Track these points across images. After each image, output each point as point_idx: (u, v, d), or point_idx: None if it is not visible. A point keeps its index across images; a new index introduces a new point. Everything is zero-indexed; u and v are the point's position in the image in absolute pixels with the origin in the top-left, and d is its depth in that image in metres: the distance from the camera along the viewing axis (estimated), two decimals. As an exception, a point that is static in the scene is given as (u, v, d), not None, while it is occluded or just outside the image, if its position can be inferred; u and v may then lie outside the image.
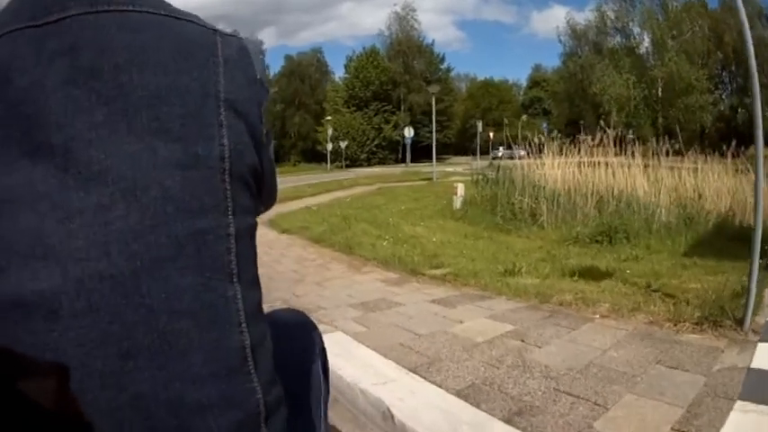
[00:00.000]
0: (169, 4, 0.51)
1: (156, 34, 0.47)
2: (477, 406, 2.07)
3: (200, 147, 0.45)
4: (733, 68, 34.14)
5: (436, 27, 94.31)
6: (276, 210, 9.91)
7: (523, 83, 63.24)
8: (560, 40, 42.12)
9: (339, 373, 2.42)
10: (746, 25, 2.76)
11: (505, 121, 23.36)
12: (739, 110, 32.99)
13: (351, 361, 2.54)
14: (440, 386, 2.25)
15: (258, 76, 0.52)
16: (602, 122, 7.75)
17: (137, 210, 0.42)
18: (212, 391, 0.44)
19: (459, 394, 2.17)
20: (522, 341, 2.71)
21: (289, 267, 5.11)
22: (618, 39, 36.56)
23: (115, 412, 0.41)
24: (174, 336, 0.42)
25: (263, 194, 0.57)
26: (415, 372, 2.39)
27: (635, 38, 35.87)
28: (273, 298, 3.81)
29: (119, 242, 0.41)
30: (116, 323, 0.41)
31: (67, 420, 0.40)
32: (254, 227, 0.52)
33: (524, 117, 28.87)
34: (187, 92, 0.46)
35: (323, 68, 57.15)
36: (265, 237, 7.20)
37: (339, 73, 55.70)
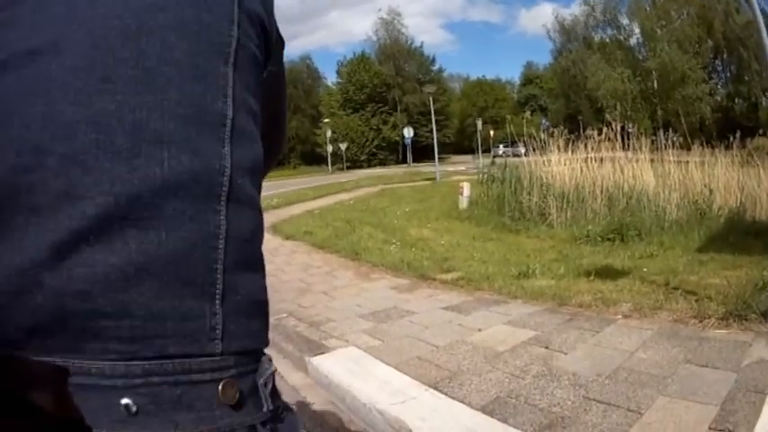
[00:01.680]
0: None
1: None
2: (505, 421, 1.98)
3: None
4: (725, 56, 33.73)
5: (425, 30, 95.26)
6: (278, 214, 9.84)
7: (517, 81, 63.09)
8: (550, 37, 42.07)
9: (353, 392, 2.30)
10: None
11: (508, 118, 23.15)
12: (737, 99, 32.71)
13: (366, 378, 2.43)
14: (463, 402, 2.15)
15: None
16: (606, 116, 7.66)
17: None
18: None
19: (484, 410, 2.08)
20: (547, 348, 2.61)
21: (294, 276, 5.00)
22: (608, 32, 36.48)
23: None
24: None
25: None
26: (435, 387, 2.28)
27: (624, 29, 35.75)
28: (279, 309, 3.71)
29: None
30: None
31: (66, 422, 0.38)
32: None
33: (528, 114, 28.62)
34: None
35: (314, 74, 57.07)
36: (268, 244, 7.04)
37: (332, 78, 55.74)
